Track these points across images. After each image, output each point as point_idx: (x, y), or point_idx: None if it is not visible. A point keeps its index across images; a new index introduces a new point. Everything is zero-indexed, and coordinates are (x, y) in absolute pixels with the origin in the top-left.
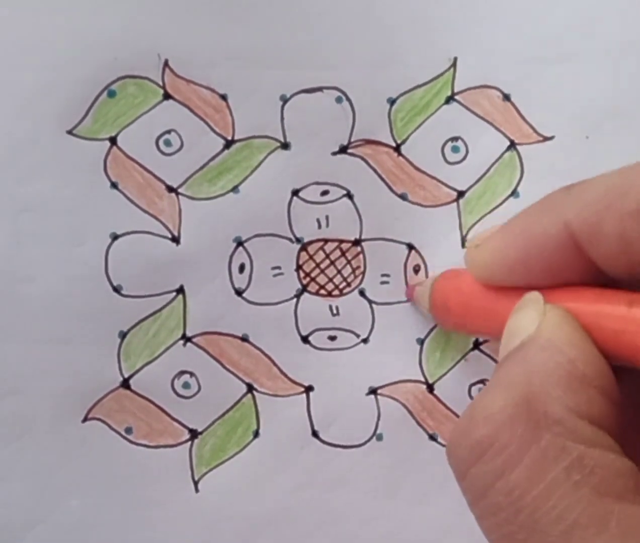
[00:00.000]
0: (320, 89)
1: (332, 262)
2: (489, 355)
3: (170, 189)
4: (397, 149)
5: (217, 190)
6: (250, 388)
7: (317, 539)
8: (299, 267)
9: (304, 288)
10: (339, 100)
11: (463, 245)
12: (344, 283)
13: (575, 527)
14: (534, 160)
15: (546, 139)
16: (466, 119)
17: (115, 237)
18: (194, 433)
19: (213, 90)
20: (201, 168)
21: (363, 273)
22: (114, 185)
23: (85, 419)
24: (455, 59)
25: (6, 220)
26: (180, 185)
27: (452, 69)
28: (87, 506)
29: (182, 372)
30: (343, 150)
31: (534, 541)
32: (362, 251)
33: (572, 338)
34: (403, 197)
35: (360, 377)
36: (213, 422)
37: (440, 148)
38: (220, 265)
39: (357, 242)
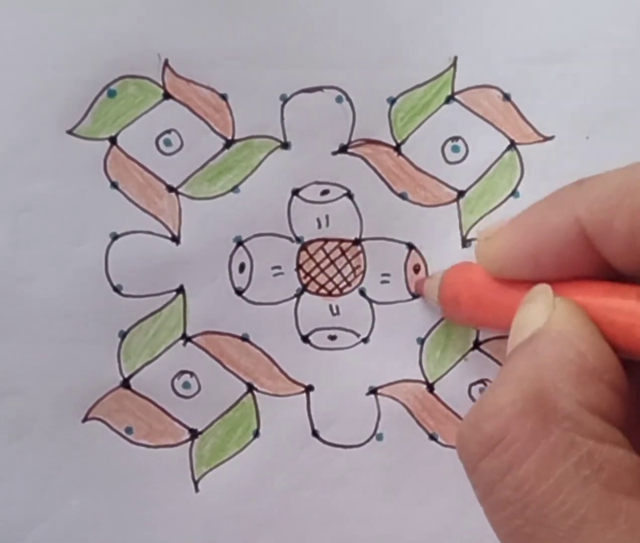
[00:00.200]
0: (320, 88)
1: (332, 262)
2: (489, 355)
3: (170, 189)
4: (397, 148)
5: (217, 189)
6: (251, 388)
7: (317, 539)
8: (299, 267)
9: (304, 288)
10: (339, 99)
11: (463, 245)
12: (344, 283)
13: (584, 522)
14: (534, 160)
15: (546, 139)
16: (466, 118)
17: (115, 236)
18: (194, 433)
19: (213, 90)
20: (201, 168)
21: (363, 272)
22: (114, 185)
23: (85, 419)
24: (456, 58)
25: (6, 220)
26: (180, 185)
27: (452, 69)
28: (87, 506)
29: (182, 372)
30: (343, 149)
31: (542, 536)
32: (362, 251)
33: (582, 332)
34: (403, 196)
35: (360, 377)
36: (213, 422)
37: (440, 148)
38: (221, 264)
39: (357, 242)
